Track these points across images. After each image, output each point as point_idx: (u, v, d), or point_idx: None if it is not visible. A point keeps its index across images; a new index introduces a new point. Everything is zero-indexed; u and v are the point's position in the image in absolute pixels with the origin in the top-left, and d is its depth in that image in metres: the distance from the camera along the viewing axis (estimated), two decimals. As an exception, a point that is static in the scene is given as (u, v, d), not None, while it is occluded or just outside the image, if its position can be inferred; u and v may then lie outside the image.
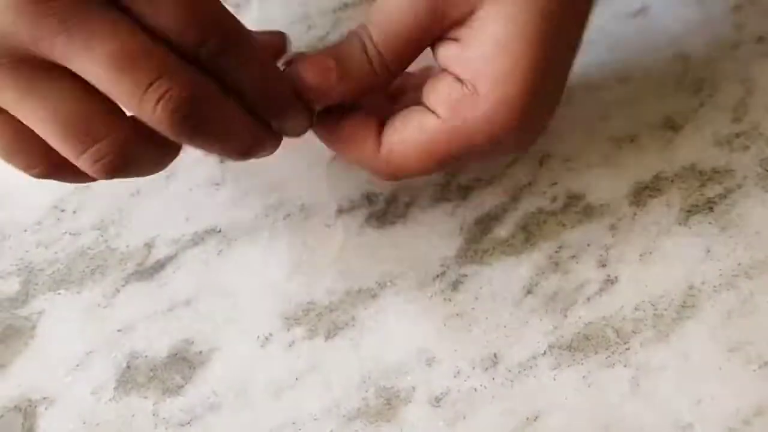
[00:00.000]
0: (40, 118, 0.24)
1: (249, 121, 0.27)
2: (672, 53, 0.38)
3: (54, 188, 0.36)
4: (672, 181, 0.35)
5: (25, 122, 0.25)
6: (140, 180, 0.36)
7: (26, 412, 0.32)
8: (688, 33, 0.39)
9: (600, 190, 0.35)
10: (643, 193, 0.35)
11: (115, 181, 0.36)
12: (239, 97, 0.27)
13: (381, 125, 0.30)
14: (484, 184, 0.36)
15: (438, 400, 0.32)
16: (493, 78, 0.27)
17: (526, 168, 0.36)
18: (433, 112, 0.29)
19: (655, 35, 0.39)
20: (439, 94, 0.29)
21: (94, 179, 0.27)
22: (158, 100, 0.24)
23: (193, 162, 0.37)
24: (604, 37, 0.39)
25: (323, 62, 0.28)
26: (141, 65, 0.23)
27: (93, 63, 0.23)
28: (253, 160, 0.36)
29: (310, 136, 0.37)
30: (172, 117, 0.24)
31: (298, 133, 0.30)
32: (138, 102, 0.24)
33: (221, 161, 0.36)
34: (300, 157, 0.36)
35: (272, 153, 0.30)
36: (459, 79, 0.28)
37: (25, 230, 0.36)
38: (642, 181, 0.35)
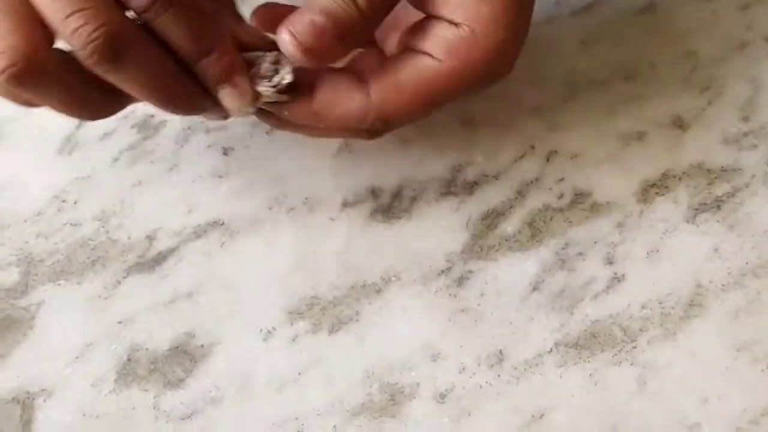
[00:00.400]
0: None
1: (179, 75, 0.27)
2: (679, 51, 0.38)
3: (55, 178, 0.36)
4: (680, 179, 0.35)
5: None
6: (143, 171, 0.36)
7: (24, 404, 0.32)
8: (696, 31, 0.39)
9: (607, 188, 0.35)
10: (651, 190, 0.35)
11: (118, 171, 0.36)
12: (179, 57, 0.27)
13: (357, 78, 0.30)
14: (491, 179, 0.35)
15: (443, 396, 0.32)
16: (489, 20, 0.28)
17: (532, 164, 0.36)
18: (426, 54, 0.29)
19: (662, 33, 0.39)
20: (434, 38, 0.29)
21: (64, 105, 0.26)
22: (77, 29, 0.24)
23: (197, 153, 0.36)
24: (611, 34, 0.39)
25: (312, 22, 0.27)
26: None
27: None
28: (256, 151, 0.36)
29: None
30: (92, 46, 0.24)
31: (235, 110, 0.29)
32: (60, 23, 0.24)
33: (224, 153, 0.36)
34: (304, 150, 0.36)
35: (221, 119, 0.29)
36: (453, 23, 0.28)
37: (25, 220, 0.35)
38: (649, 178, 0.35)
